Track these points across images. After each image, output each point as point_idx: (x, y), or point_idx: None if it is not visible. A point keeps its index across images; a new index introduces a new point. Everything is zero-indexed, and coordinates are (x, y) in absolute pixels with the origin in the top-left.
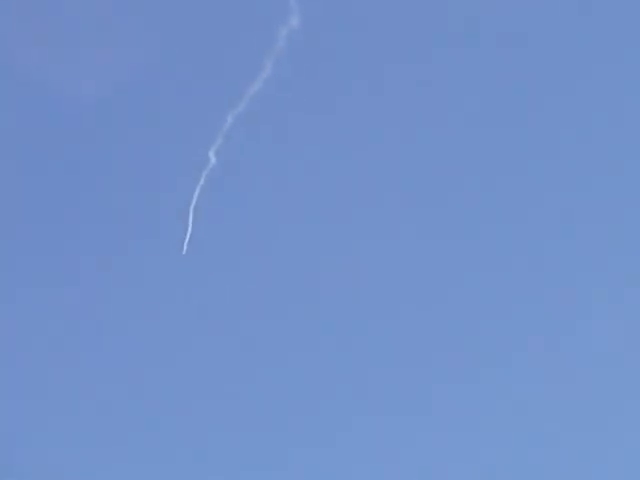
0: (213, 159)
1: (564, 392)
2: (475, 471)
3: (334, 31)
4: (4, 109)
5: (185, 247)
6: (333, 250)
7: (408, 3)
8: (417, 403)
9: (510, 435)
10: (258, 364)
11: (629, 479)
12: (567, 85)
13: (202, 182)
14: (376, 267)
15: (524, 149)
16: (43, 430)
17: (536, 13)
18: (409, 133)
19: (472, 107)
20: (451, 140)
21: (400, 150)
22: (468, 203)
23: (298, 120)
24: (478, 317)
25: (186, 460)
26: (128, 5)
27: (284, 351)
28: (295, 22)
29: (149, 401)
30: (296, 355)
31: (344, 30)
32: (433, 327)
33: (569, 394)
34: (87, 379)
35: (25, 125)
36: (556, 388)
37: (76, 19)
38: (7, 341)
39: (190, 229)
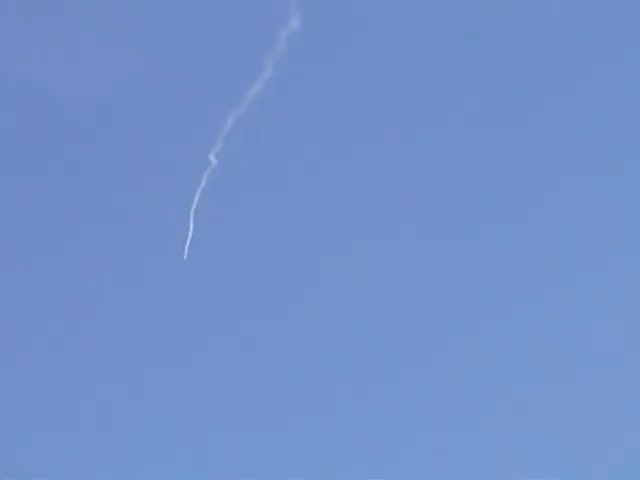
0: (214, 161)
1: (563, 392)
2: (475, 471)
3: (334, 33)
4: (6, 110)
5: (186, 251)
6: (334, 253)
7: (408, 4)
8: (417, 403)
9: (510, 435)
10: (258, 364)
11: (629, 478)
12: (567, 85)
13: (203, 184)
14: (378, 270)
15: (524, 149)
16: (43, 430)
17: (536, 13)
18: (410, 135)
19: (472, 107)
20: (451, 140)
21: (400, 151)
22: (468, 203)
23: (298, 122)
24: (478, 316)
25: (186, 461)
26: (130, 8)
27: (285, 352)
28: (295, 24)
29: (149, 402)
30: (297, 356)
31: (344, 32)
32: (433, 326)
33: (568, 394)
34: (87, 379)
35: (25, 127)
36: (555, 388)
37: (81, 22)
38: (7, 341)
39: (191, 232)
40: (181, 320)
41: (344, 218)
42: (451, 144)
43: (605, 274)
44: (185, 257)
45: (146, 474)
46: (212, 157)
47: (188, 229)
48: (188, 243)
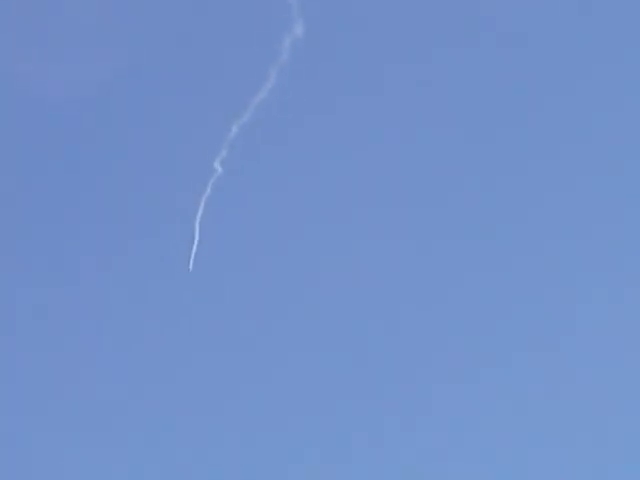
0: (219, 169)
1: (563, 392)
2: (475, 471)
3: (337, 39)
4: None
5: (191, 262)
6: (342, 262)
7: (409, 7)
8: (416, 403)
9: (509, 435)
10: (260, 368)
11: (628, 478)
12: (567, 85)
13: (208, 192)
14: (383, 279)
15: (524, 149)
16: (43, 430)
17: (536, 13)
18: (412, 140)
19: (472, 107)
20: (451, 140)
21: (404, 157)
22: (468, 203)
23: (303, 128)
24: (478, 316)
25: (186, 462)
26: (130, 14)
27: (287, 357)
28: (299, 31)
29: (149, 404)
30: (300, 362)
31: (347, 38)
32: (433, 326)
33: (568, 394)
34: (87, 381)
35: (16, 127)
36: (555, 388)
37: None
38: (7, 342)
39: (196, 242)
40: (185, 328)
41: (351, 225)
42: (451, 144)
43: (605, 274)
44: (190, 268)
45: (146, 474)
46: (217, 165)
47: (193, 239)
48: (193, 253)
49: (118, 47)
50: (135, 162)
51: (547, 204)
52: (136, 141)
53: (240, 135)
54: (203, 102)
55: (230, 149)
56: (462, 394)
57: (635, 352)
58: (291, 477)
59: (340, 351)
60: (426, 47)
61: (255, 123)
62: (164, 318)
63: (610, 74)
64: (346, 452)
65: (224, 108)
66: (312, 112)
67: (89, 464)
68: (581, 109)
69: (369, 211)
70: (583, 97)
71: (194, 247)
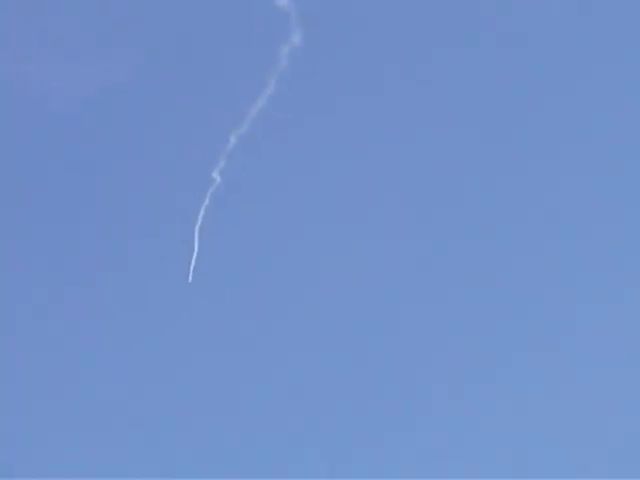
0: (218, 179)
1: (563, 393)
2: (475, 472)
3: (335, 47)
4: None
5: (191, 272)
6: (342, 271)
7: (410, 10)
8: (417, 403)
9: (509, 435)
10: (261, 372)
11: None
12: (567, 85)
13: (207, 202)
14: (384, 282)
15: (525, 149)
16: (43, 430)
17: (536, 13)
18: (412, 142)
19: (472, 107)
20: (452, 141)
21: (404, 160)
22: (469, 204)
23: (301, 137)
24: (477, 317)
25: (185, 464)
26: (135, 19)
27: (288, 361)
28: (296, 40)
29: (149, 405)
30: (300, 365)
31: (345, 45)
32: (434, 327)
33: (568, 394)
34: (88, 381)
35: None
36: (555, 388)
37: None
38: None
39: (195, 253)
40: (185, 333)
41: (350, 235)
42: (452, 145)
43: (605, 274)
44: (190, 279)
45: (146, 474)
46: (216, 175)
47: (192, 249)
48: (193, 264)
49: (119, 54)
50: (134, 165)
51: (548, 205)
52: (136, 146)
53: (238, 144)
54: (202, 111)
55: (228, 159)
56: (462, 394)
57: (635, 352)
58: (291, 477)
59: (340, 352)
60: (426, 47)
61: (254, 132)
62: (164, 323)
63: (610, 74)
64: (346, 452)
65: (223, 116)
66: (313, 123)
67: (88, 464)
68: (581, 109)
69: (368, 218)
70: (583, 97)
71: (193, 258)
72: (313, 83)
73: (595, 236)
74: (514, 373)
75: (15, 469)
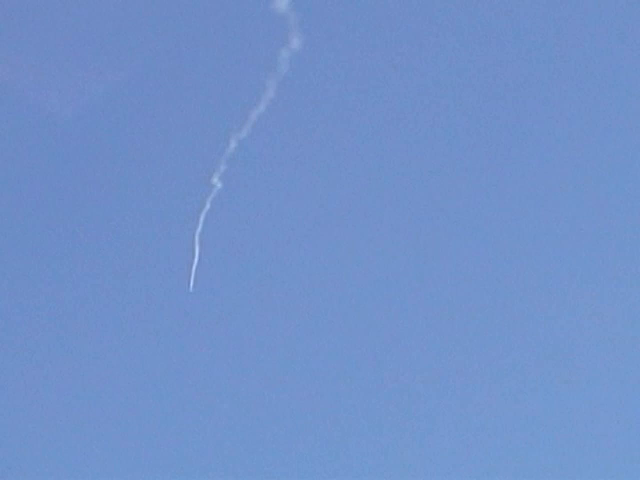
0: (218, 184)
1: (562, 397)
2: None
3: (335, 50)
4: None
5: (192, 280)
6: (346, 277)
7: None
8: (416, 409)
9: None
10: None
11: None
12: (568, 85)
13: (207, 208)
14: (384, 285)
15: (525, 150)
16: (43, 430)
17: (536, 13)
18: (415, 147)
19: (472, 108)
20: (452, 144)
21: (406, 164)
22: (469, 206)
23: (302, 141)
24: (476, 321)
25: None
26: (133, 24)
27: (289, 364)
28: (296, 44)
29: (149, 406)
30: (301, 368)
31: (345, 48)
32: (433, 330)
33: (567, 399)
34: (88, 382)
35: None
36: (554, 393)
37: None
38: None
39: (196, 260)
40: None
41: (354, 238)
42: (452, 146)
43: (604, 277)
44: (191, 287)
45: (146, 474)
46: (216, 180)
47: (192, 257)
48: (194, 272)
49: (117, 60)
50: (135, 188)
51: (547, 208)
52: (135, 152)
53: (238, 149)
54: (201, 116)
55: (228, 164)
56: (461, 399)
57: (635, 355)
58: (291, 477)
59: (340, 352)
60: (426, 47)
61: (253, 137)
62: (165, 325)
63: (611, 74)
64: (346, 452)
65: (222, 122)
66: (314, 128)
67: (89, 464)
68: (581, 110)
69: (368, 221)
70: (583, 98)
71: (194, 266)
72: (313, 87)
73: (595, 239)
74: (514, 373)
75: (15, 469)
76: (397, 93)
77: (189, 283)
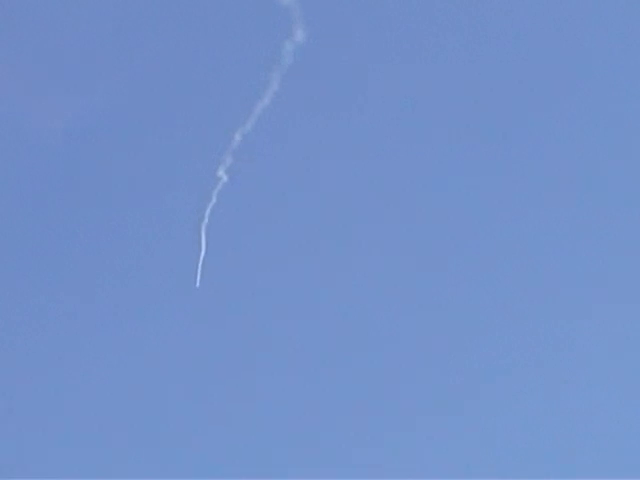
0: (224, 177)
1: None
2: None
3: (339, 44)
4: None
5: (199, 276)
6: (353, 274)
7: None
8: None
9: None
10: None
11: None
12: (567, 85)
13: (213, 201)
14: (385, 288)
15: (525, 151)
16: (42, 430)
17: (536, 13)
18: (418, 151)
19: (472, 111)
20: (452, 146)
21: (405, 164)
22: (470, 209)
23: (308, 134)
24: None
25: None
26: (135, 18)
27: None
28: (300, 37)
29: (150, 407)
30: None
31: (349, 43)
32: (433, 337)
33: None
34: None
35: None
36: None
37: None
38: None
39: (203, 254)
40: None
41: (356, 233)
42: (452, 147)
43: (605, 290)
44: (198, 283)
45: (146, 474)
46: (221, 173)
47: (199, 252)
48: (200, 266)
49: (121, 53)
50: (140, 181)
51: (547, 213)
52: (141, 160)
53: (243, 143)
54: (205, 111)
55: (234, 157)
56: (461, 399)
57: (634, 366)
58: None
59: (341, 353)
60: (426, 47)
61: (258, 130)
62: (167, 325)
63: (610, 74)
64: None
65: (226, 116)
66: (319, 121)
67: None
68: (581, 111)
69: (374, 217)
70: (583, 98)
71: (200, 261)
72: (317, 80)
73: (595, 244)
74: (514, 373)
75: (15, 469)
76: (402, 86)
77: (196, 278)
